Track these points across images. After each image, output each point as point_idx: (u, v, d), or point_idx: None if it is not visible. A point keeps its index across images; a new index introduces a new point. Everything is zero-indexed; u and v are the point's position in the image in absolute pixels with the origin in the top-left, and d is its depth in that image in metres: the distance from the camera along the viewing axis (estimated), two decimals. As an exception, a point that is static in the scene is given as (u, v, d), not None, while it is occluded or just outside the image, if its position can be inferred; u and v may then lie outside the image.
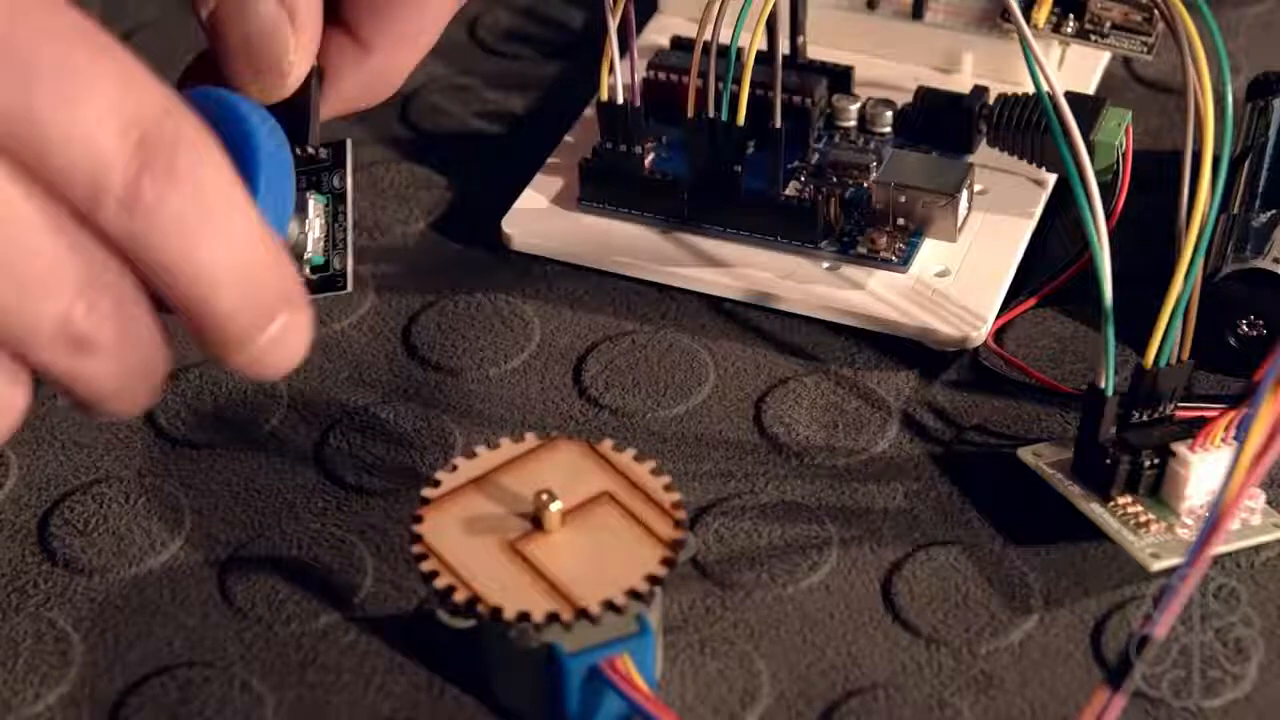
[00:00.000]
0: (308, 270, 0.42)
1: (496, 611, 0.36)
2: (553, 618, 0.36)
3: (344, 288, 0.42)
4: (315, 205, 0.41)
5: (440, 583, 0.36)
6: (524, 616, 0.36)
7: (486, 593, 0.36)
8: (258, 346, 0.34)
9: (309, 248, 0.41)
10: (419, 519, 0.38)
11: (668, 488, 0.38)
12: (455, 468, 0.39)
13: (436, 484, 0.38)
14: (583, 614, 0.36)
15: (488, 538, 0.37)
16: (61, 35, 0.31)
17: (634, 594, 0.36)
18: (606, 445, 0.39)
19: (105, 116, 0.31)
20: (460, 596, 0.36)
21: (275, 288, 0.33)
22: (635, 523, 0.37)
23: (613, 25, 0.46)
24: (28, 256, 0.31)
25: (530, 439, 0.39)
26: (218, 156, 0.32)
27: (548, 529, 0.37)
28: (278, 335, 0.34)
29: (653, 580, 0.36)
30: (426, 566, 0.37)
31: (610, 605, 0.36)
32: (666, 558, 0.37)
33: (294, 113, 0.39)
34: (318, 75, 0.40)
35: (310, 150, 0.40)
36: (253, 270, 0.33)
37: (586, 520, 0.37)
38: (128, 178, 0.31)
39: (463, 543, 0.37)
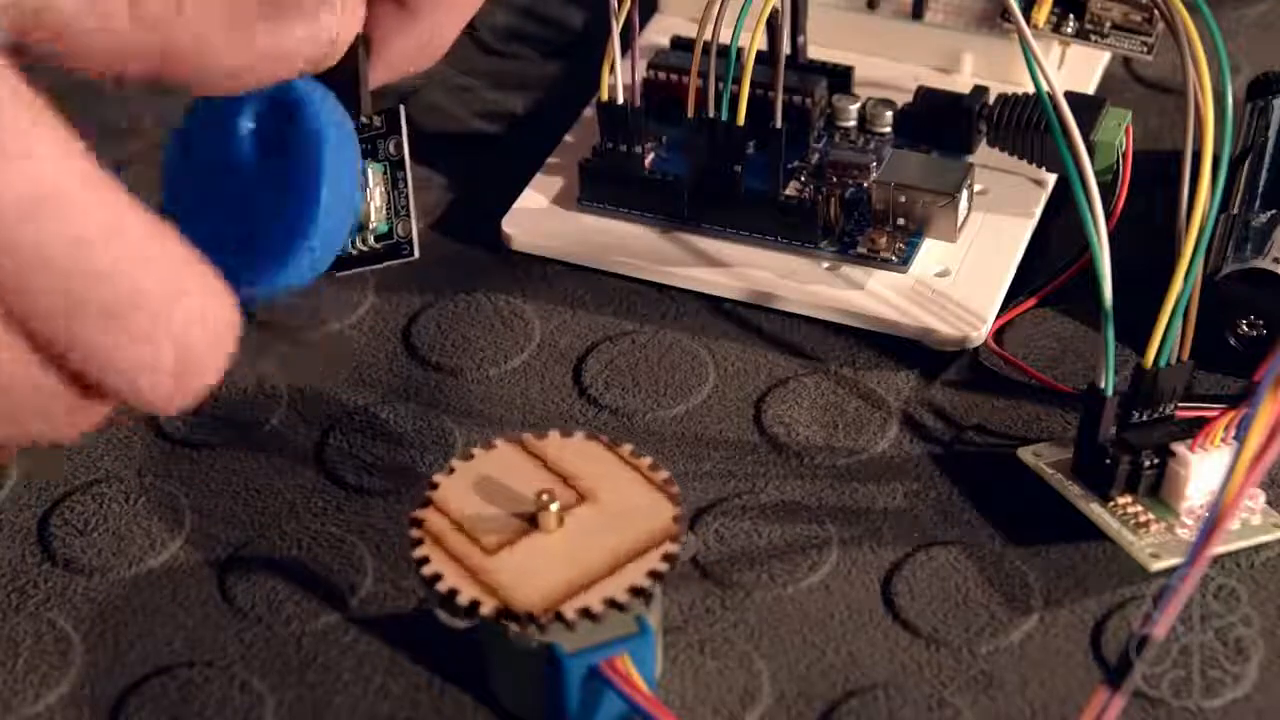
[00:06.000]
0: (372, 239, 0.43)
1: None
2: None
3: (410, 254, 0.43)
4: (374, 174, 0.41)
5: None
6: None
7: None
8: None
9: (372, 217, 0.41)
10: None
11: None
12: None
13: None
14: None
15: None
16: None
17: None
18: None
19: None
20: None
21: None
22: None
23: (616, 25, 0.46)
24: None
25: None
26: None
27: (547, 528, 0.37)
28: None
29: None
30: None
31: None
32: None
33: (343, 83, 0.39)
34: (365, 44, 0.40)
35: (364, 119, 0.40)
36: None
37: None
38: None
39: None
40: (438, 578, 0.37)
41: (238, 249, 0.37)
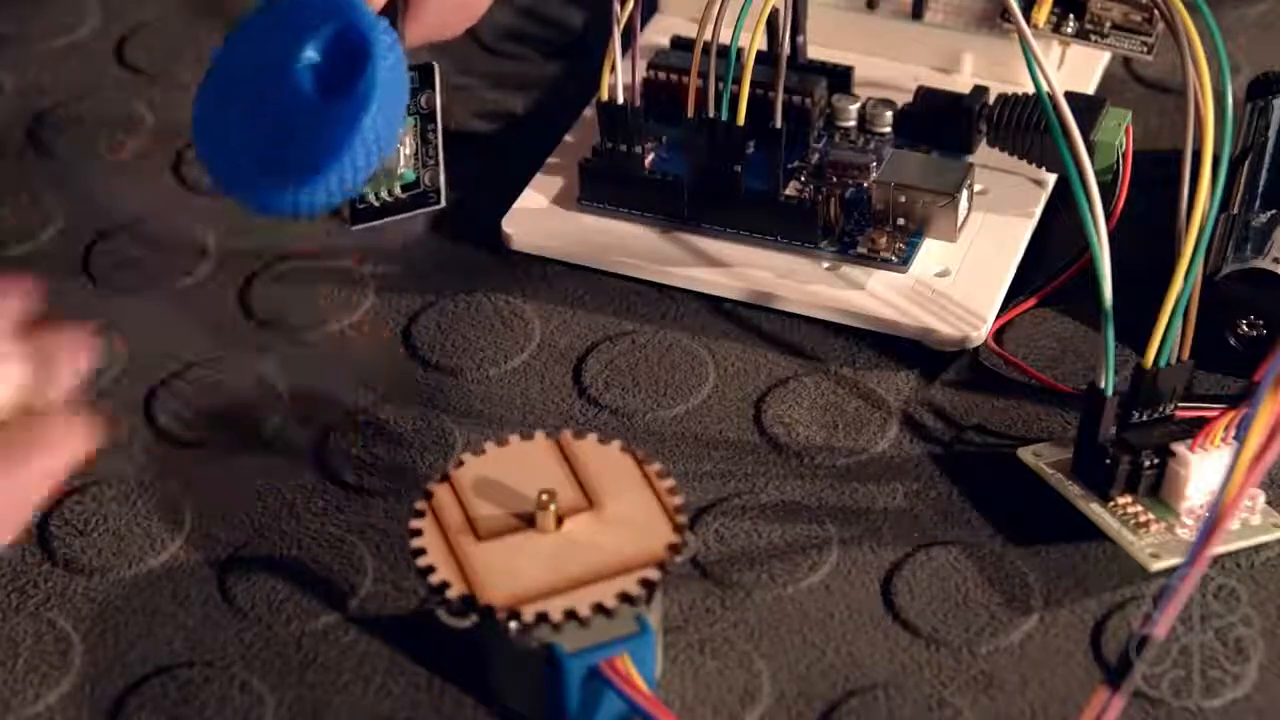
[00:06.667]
0: (398, 188, 0.43)
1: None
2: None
3: (437, 203, 0.43)
4: (405, 124, 0.42)
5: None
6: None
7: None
8: None
9: (400, 164, 0.42)
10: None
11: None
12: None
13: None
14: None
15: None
16: None
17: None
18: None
19: None
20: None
21: None
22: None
23: (618, 26, 0.46)
24: None
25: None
26: None
27: (544, 529, 0.37)
28: None
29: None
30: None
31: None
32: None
33: None
34: (401, 5, 0.40)
35: None
36: None
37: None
38: None
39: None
40: (422, 552, 0.37)
41: (267, 160, 0.38)
